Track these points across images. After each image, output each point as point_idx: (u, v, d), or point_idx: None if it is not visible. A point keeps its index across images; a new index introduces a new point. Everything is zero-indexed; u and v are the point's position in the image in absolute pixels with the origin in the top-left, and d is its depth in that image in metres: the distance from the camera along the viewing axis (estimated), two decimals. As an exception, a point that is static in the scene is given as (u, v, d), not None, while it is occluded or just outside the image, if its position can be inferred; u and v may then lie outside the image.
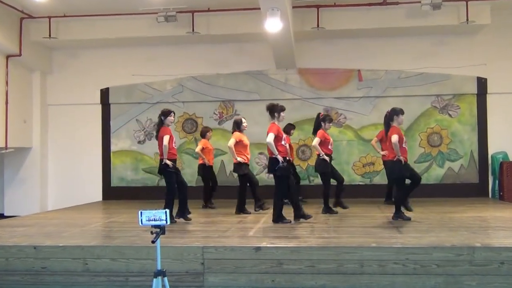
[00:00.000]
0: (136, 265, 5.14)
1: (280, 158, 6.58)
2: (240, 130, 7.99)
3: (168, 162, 6.78)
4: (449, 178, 10.67)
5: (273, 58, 10.49)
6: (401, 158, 6.66)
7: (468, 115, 10.72)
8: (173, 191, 6.88)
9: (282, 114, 6.78)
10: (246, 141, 7.98)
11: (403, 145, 6.71)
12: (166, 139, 6.75)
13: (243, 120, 8.06)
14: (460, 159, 10.69)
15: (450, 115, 10.76)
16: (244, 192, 8.00)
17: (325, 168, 7.63)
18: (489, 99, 10.67)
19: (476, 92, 10.67)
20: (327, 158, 7.54)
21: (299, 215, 6.79)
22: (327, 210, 7.78)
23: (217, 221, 7.43)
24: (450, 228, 6.27)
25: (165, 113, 6.91)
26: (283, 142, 6.68)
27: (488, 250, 4.87)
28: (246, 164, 7.95)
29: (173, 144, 6.88)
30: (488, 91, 10.62)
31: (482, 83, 10.62)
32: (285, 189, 6.72)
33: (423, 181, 10.28)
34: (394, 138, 6.68)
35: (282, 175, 6.66)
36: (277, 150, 6.62)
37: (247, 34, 10.41)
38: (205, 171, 9.10)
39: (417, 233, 5.95)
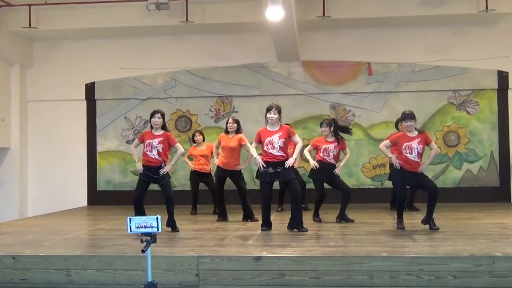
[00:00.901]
0: (125, 276, 5.14)
1: (258, 161, 6.71)
2: (227, 131, 8.05)
3: (137, 165, 6.99)
4: (467, 181, 10.68)
5: (275, 50, 10.49)
6: (395, 162, 6.73)
7: (488, 112, 10.73)
8: (134, 197, 7.03)
9: (267, 115, 6.80)
10: (225, 142, 7.97)
11: (404, 152, 6.68)
12: (134, 142, 7.29)
13: (230, 120, 8.09)
14: (479, 160, 10.69)
15: (468, 112, 10.77)
16: (248, 197, 7.99)
17: (312, 175, 7.79)
18: (511, 94, 10.67)
19: (496, 87, 10.67)
20: (313, 164, 7.62)
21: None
22: (315, 216, 7.87)
23: (213, 228, 7.44)
24: (468, 236, 6.29)
25: (150, 115, 7.02)
26: (265, 148, 6.72)
27: (509, 260, 4.87)
28: (221, 169, 7.95)
29: (145, 149, 6.89)
30: (510, 86, 10.63)
31: (503, 77, 10.62)
32: (262, 196, 6.85)
33: (439, 184, 10.32)
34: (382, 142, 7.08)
35: (260, 181, 6.90)
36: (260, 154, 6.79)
37: (246, 24, 10.41)
38: (192, 175, 9.28)
39: (432, 241, 5.96)
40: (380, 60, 10.86)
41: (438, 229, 6.68)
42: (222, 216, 8.14)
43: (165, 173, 6.90)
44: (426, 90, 10.70)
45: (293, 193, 6.81)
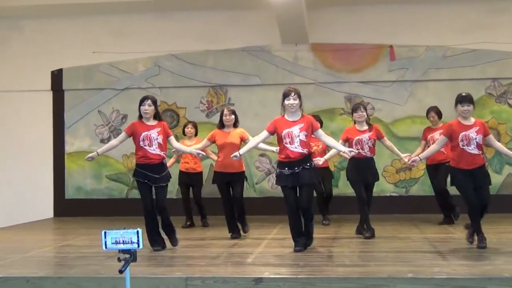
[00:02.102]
0: (99, 302, 5.14)
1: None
2: (222, 125, 8.02)
3: (92, 154, 6.97)
4: (509, 188, 10.69)
5: (279, 30, 10.49)
6: (415, 161, 6.85)
7: (533, 104, 10.76)
8: (143, 206, 6.92)
9: (285, 101, 6.60)
10: (223, 139, 7.89)
11: (461, 145, 6.51)
12: (119, 136, 7.13)
13: (225, 111, 7.99)
14: (523, 162, 10.71)
15: (510, 105, 10.78)
16: (225, 209, 7.94)
17: (350, 175, 7.70)
18: (562, 84, 10.71)
19: (544, 75, 10.71)
20: (346, 150, 7.55)
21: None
22: (359, 229, 7.73)
23: (204, 244, 7.45)
24: (510, 253, 6.29)
25: (139, 102, 6.97)
26: (283, 142, 6.53)
27: (560, 282, 4.87)
28: (220, 174, 7.87)
29: (142, 143, 6.79)
30: (561, 73, 10.67)
31: (552, 63, 10.65)
32: (286, 204, 6.59)
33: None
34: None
35: (280, 186, 6.63)
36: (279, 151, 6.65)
37: (244, -1, 10.44)
38: (178, 177, 9.32)
39: (467, 259, 5.96)
40: (404, 43, 10.86)
41: (485, 247, 6.48)
42: (234, 230, 7.91)
43: (167, 174, 6.92)
44: (459, 78, 10.69)
45: (302, 205, 6.52)
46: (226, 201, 7.88)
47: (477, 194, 6.52)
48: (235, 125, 7.98)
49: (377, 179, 7.75)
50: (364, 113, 7.64)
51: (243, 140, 7.83)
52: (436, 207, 9.15)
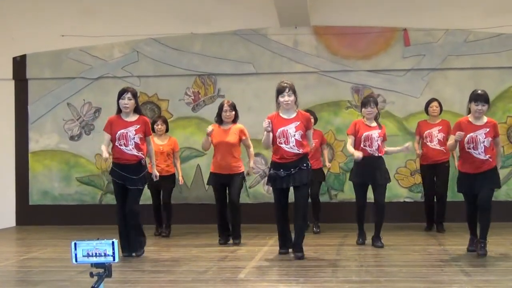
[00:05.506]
0: (68, 323, 5.16)
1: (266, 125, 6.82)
2: (220, 120, 8.07)
3: (105, 155, 6.97)
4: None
5: (276, 11, 10.48)
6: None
7: None
8: (116, 209, 7.13)
9: (280, 98, 6.94)
10: (219, 136, 8.01)
11: (467, 147, 6.77)
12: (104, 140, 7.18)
13: (225, 106, 8.04)
14: (556, 164, 10.74)
15: (542, 98, 10.82)
16: (240, 214, 8.19)
17: (353, 176, 7.90)
18: None
19: None
20: (357, 155, 7.58)
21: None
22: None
23: (190, 256, 7.46)
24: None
25: (118, 95, 7.08)
26: (277, 141, 6.85)
27: None
28: (213, 174, 8.09)
29: (117, 143, 6.97)
30: None
31: None
32: (276, 207, 7.05)
33: (501, 196, 10.34)
34: None
35: (272, 187, 7.07)
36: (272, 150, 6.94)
37: (236, -26, 10.45)
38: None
39: (491, 274, 6.00)
40: (421, 25, 10.86)
41: (485, 254, 6.75)
42: (223, 238, 8.21)
43: (145, 175, 7.04)
44: (484, 67, 10.70)
45: (297, 205, 6.90)
46: (219, 203, 8.08)
47: (478, 197, 6.77)
48: (234, 120, 8.05)
49: (388, 180, 7.90)
50: (375, 109, 7.80)
51: (241, 139, 7.94)
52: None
